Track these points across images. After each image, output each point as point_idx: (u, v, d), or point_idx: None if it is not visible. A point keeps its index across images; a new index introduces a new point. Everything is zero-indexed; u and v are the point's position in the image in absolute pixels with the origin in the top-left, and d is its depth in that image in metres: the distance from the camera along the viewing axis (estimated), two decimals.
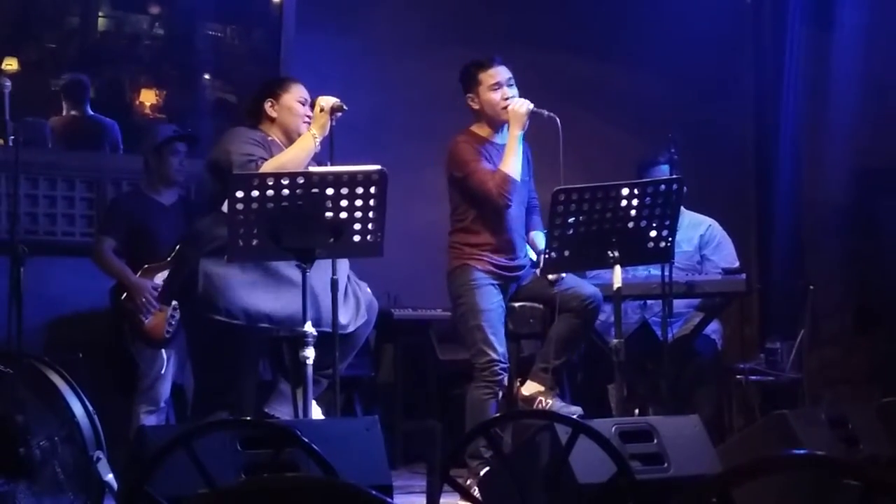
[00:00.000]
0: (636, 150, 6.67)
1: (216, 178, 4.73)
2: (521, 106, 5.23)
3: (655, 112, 7.42)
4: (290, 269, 4.56)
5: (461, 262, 5.34)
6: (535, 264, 5.46)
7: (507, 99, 5.30)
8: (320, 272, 4.48)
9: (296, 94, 4.95)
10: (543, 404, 5.19)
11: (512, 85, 5.35)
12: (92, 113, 7.08)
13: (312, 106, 4.80)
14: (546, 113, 5.21)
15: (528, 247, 5.49)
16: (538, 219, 5.54)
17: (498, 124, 5.37)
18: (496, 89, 5.32)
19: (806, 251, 7.54)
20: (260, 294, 4.59)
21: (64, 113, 7.11)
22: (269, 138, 4.87)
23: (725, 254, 6.21)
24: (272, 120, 4.93)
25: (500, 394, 5.21)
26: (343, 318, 4.61)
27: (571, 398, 5.80)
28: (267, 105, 4.93)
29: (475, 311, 5.26)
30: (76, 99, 7.05)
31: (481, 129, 5.41)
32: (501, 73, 5.35)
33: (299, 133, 4.88)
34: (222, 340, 4.61)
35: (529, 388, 5.31)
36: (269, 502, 2.16)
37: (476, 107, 5.39)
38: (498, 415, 5.05)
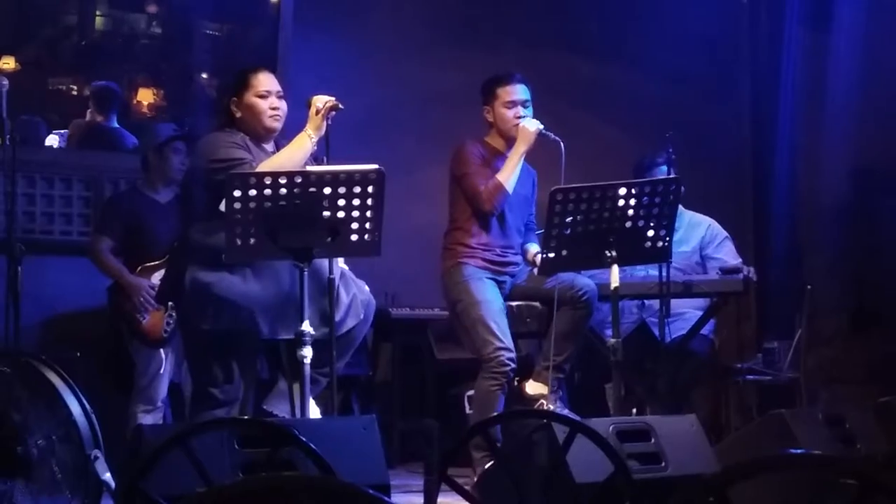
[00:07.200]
0: (633, 150, 6.66)
1: (204, 187, 4.58)
2: (532, 125, 5.31)
3: (653, 112, 7.42)
4: (278, 275, 4.54)
5: (454, 262, 5.38)
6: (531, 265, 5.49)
7: (519, 117, 5.38)
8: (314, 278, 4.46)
9: (256, 89, 4.71)
10: (546, 408, 5.18)
11: (528, 106, 5.43)
12: (116, 125, 7.02)
13: (308, 106, 4.64)
14: (552, 136, 5.28)
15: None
16: (534, 236, 5.59)
17: (510, 139, 5.44)
18: (511, 107, 5.41)
19: (803, 251, 7.54)
20: (248, 303, 4.54)
21: (88, 118, 7.08)
22: (247, 138, 4.70)
23: (728, 250, 6.17)
24: (239, 119, 4.73)
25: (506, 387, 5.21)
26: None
27: (569, 398, 5.80)
28: (232, 105, 4.74)
29: (474, 303, 5.28)
30: (103, 107, 7.01)
31: (494, 141, 5.51)
32: (519, 91, 5.43)
33: (265, 129, 4.71)
34: (216, 342, 4.59)
35: (534, 387, 5.31)
36: (267, 501, 2.16)
37: (490, 119, 5.49)
38: (495, 414, 5.04)
